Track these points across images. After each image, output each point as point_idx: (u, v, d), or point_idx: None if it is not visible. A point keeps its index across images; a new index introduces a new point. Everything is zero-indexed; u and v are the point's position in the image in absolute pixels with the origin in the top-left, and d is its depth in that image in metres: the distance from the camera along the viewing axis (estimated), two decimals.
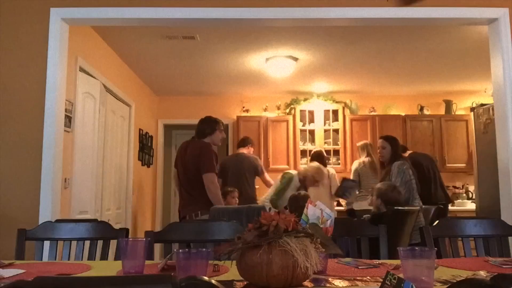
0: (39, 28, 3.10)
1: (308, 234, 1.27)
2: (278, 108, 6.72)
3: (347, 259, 1.70)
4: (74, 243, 2.09)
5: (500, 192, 3.18)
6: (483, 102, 4.97)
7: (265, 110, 6.68)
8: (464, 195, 6.30)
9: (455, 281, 1.16)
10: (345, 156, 6.43)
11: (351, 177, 5.24)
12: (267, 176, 5.18)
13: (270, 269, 1.17)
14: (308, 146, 6.42)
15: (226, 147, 6.88)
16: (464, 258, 1.94)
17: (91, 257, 2.06)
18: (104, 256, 2.07)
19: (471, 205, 5.89)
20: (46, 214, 2.93)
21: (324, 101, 6.61)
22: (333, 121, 6.52)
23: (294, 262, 1.18)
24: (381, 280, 1.04)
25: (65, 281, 0.82)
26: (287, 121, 6.54)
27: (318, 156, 5.37)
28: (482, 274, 1.41)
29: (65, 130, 3.29)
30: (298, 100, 6.62)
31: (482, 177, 4.52)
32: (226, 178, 4.83)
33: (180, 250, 1.31)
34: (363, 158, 5.29)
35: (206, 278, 0.77)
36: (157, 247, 3.01)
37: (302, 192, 4.13)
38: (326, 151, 6.44)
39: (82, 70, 3.88)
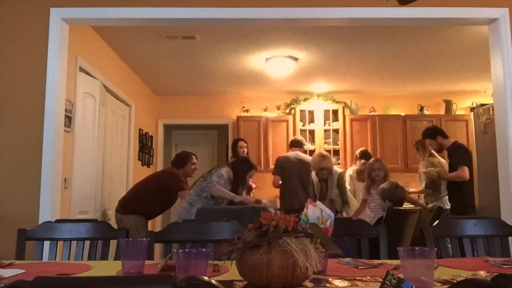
0: (39, 28, 3.09)
1: (308, 234, 1.27)
2: (278, 108, 6.72)
3: (347, 259, 1.69)
4: (74, 243, 2.09)
5: (500, 192, 3.18)
6: (483, 102, 4.96)
7: (265, 110, 6.68)
8: None
9: (455, 281, 1.17)
10: (345, 156, 6.42)
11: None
12: None
13: (270, 269, 1.17)
14: (308, 146, 6.40)
15: (226, 147, 6.88)
16: (464, 258, 1.94)
17: (91, 257, 2.05)
18: (104, 256, 2.07)
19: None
20: (46, 214, 2.93)
21: (324, 101, 6.60)
22: (333, 121, 6.52)
23: (294, 262, 1.18)
24: (381, 280, 1.04)
25: (65, 281, 0.82)
26: (287, 121, 6.53)
27: (364, 154, 5.38)
28: (482, 274, 1.41)
29: (65, 130, 3.29)
30: (298, 100, 6.61)
31: (482, 177, 4.52)
32: (289, 178, 4.81)
33: (180, 250, 1.31)
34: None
35: (206, 278, 0.77)
36: (157, 247, 3.00)
37: (399, 185, 3.98)
38: (326, 151, 6.43)
39: (82, 70, 3.88)
